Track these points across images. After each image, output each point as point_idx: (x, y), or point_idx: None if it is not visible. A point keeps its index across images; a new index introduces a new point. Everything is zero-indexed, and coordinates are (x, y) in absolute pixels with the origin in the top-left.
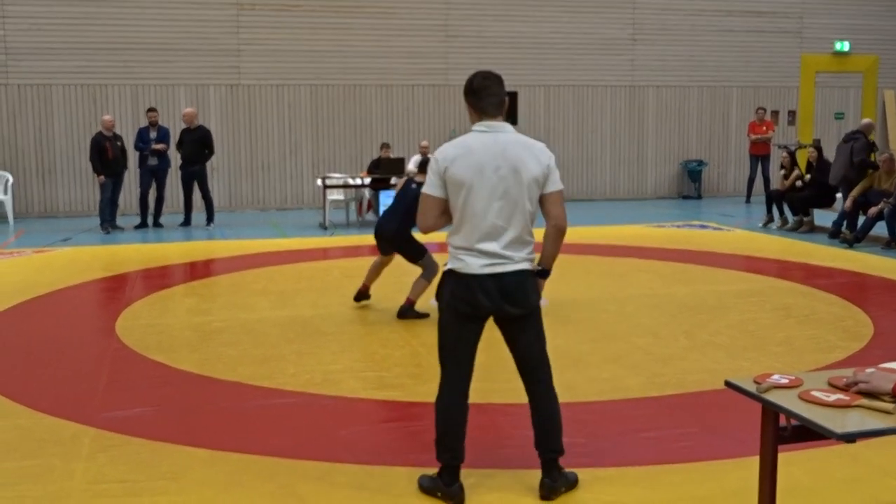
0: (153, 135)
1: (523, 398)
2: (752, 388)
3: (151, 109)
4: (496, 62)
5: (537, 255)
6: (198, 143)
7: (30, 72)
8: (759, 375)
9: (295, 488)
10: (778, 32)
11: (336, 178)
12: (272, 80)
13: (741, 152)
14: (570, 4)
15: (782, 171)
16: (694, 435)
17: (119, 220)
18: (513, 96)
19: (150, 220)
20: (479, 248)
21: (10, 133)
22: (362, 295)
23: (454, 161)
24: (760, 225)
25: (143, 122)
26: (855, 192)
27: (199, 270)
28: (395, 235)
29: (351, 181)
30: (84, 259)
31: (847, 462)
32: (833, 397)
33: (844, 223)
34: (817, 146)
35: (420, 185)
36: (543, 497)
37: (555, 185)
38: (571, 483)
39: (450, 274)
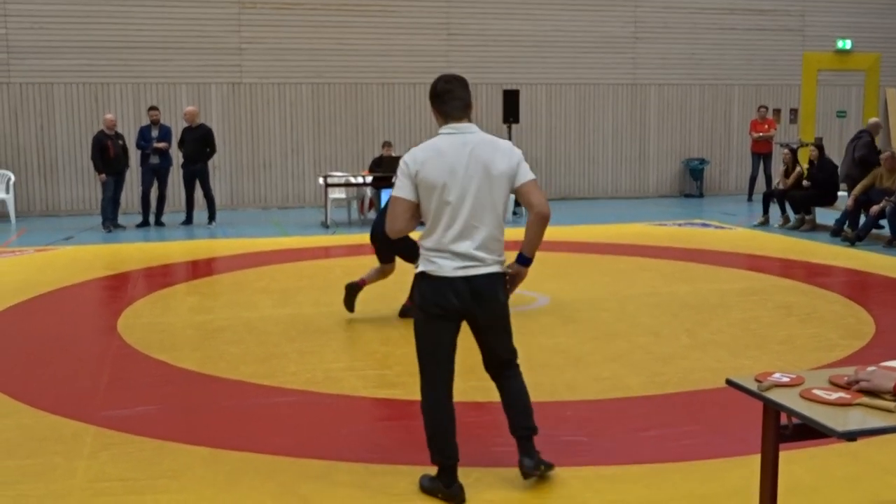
0: (155, 133)
1: None
2: (753, 386)
3: (153, 108)
4: (497, 60)
5: (508, 257)
6: (199, 142)
7: (32, 70)
8: (760, 374)
9: (296, 487)
10: (780, 30)
11: (338, 176)
12: (274, 79)
13: (743, 150)
14: (572, 2)
15: (783, 168)
16: (695, 433)
17: (121, 219)
18: (514, 95)
19: (151, 218)
20: (452, 248)
21: (12, 131)
22: (355, 288)
23: (425, 164)
24: (755, 223)
25: (145, 121)
26: (856, 191)
27: (200, 269)
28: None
29: (353, 179)
30: (86, 258)
31: (848, 460)
32: (834, 396)
33: (846, 221)
34: (818, 145)
35: None
36: (526, 474)
37: (527, 175)
38: (549, 465)
39: (422, 276)
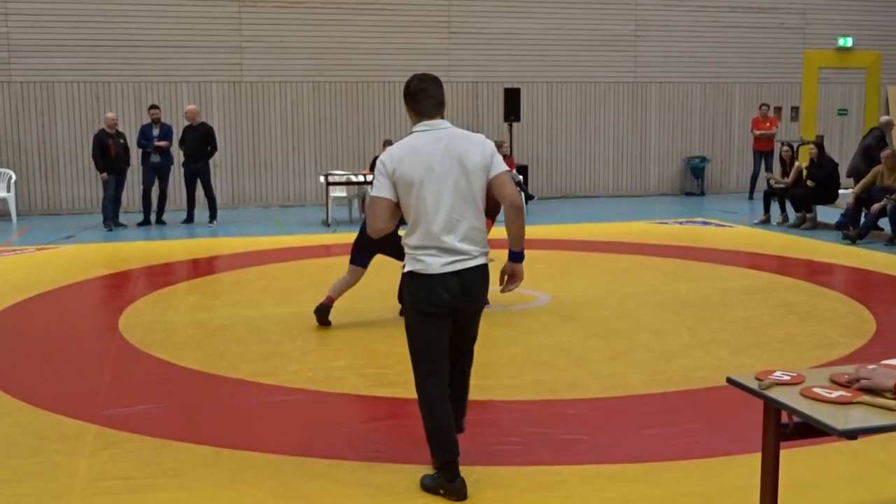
0: (156, 132)
1: (525, 395)
2: (754, 384)
3: (154, 106)
4: (499, 59)
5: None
6: (200, 140)
7: (33, 69)
8: (761, 372)
9: (297, 485)
10: (781, 28)
11: (339, 174)
12: (275, 77)
13: (744, 149)
14: (573, 1)
15: (781, 168)
16: (696, 432)
17: (122, 218)
18: (515, 93)
19: (153, 217)
20: (437, 244)
21: (13, 130)
22: (325, 310)
23: (401, 161)
24: (756, 222)
25: (146, 119)
26: (857, 189)
27: (202, 267)
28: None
29: (354, 178)
30: (87, 256)
31: (849, 459)
32: (835, 394)
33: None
34: (818, 143)
35: None
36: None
37: (500, 167)
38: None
39: (410, 275)
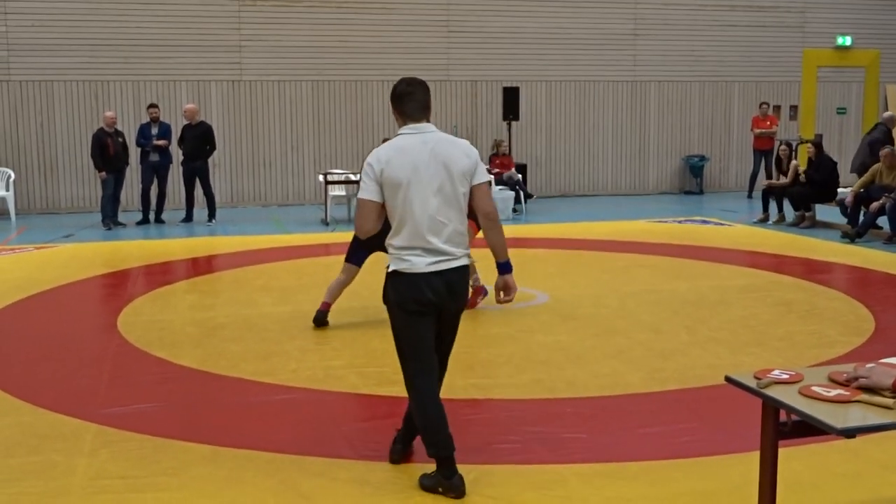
0: (155, 131)
1: (523, 394)
2: (752, 383)
3: (153, 105)
4: (497, 57)
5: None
6: (199, 139)
7: (31, 68)
8: (759, 371)
9: (297, 484)
10: (780, 27)
11: (338, 173)
12: (273, 76)
13: (743, 147)
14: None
15: (777, 166)
16: (695, 430)
17: (121, 217)
18: (514, 92)
19: (151, 216)
20: (423, 245)
21: (12, 129)
22: (323, 316)
23: (389, 162)
24: (755, 220)
25: (145, 118)
26: (856, 187)
27: (200, 266)
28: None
29: (353, 177)
30: (86, 255)
31: (847, 457)
32: (833, 392)
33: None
34: (816, 142)
35: None
36: (392, 458)
37: (482, 176)
38: (398, 458)
39: (394, 275)
